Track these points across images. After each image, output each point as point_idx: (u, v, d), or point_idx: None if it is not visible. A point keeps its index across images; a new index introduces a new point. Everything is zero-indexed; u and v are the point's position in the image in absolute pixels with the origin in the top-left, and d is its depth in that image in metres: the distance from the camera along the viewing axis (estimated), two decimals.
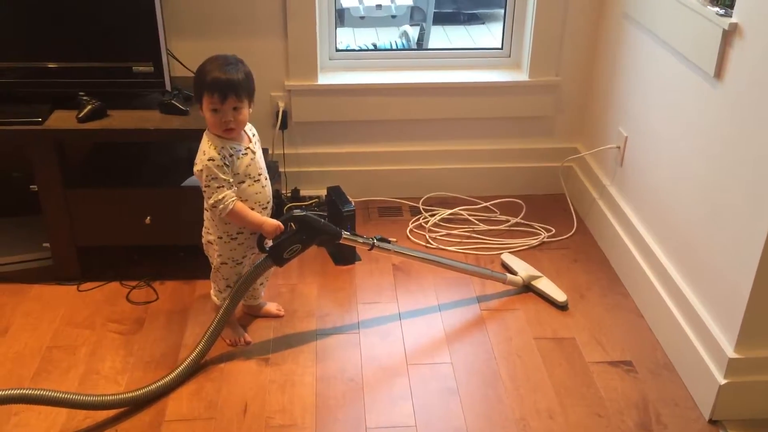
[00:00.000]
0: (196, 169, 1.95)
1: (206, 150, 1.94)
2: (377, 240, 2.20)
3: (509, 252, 2.63)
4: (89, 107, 2.26)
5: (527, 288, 2.44)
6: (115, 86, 2.34)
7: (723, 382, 1.88)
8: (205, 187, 1.95)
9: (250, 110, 1.99)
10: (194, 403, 1.96)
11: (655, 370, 2.11)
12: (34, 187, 2.29)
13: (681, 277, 2.13)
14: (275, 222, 2.01)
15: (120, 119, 2.30)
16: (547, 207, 2.92)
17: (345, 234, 2.15)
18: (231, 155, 1.95)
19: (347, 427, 1.90)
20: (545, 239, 2.73)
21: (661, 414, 1.95)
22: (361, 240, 2.19)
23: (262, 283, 2.24)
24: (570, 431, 1.90)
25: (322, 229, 2.10)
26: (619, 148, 2.57)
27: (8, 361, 2.09)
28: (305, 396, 2.00)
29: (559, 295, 2.36)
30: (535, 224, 2.80)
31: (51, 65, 2.32)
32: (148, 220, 2.33)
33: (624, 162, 2.55)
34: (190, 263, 2.40)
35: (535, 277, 2.44)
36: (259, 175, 2.03)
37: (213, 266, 2.11)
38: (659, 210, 2.28)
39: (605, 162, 2.72)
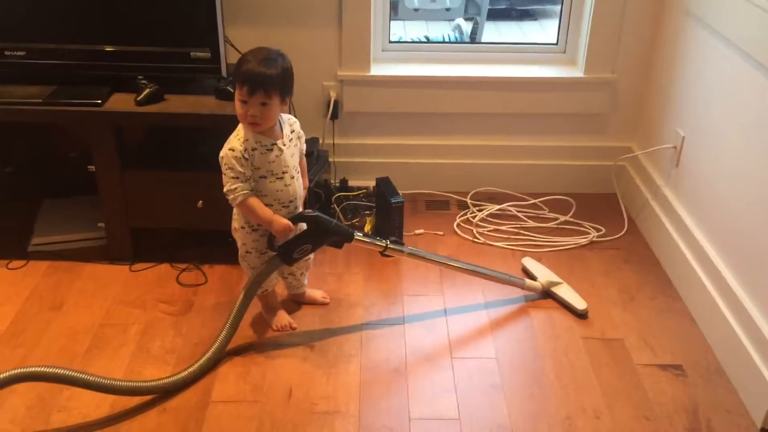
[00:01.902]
0: (220, 155, 1.96)
1: (231, 139, 1.96)
2: (391, 242, 2.17)
3: (529, 256, 2.58)
4: (147, 91, 2.30)
5: (547, 294, 2.39)
6: (172, 71, 2.38)
7: None
8: (223, 174, 1.96)
9: (286, 106, 1.97)
10: (240, 385, 1.99)
11: (706, 375, 2.06)
12: (91, 168, 2.35)
13: (737, 282, 2.08)
14: (285, 222, 1.99)
15: (176, 104, 2.33)
16: (598, 206, 2.87)
17: (357, 235, 2.12)
18: (254, 149, 1.94)
19: (391, 416, 1.91)
20: (595, 239, 2.69)
21: (711, 420, 1.91)
22: (374, 241, 2.16)
23: (302, 273, 2.25)
24: None
25: (334, 230, 2.08)
26: (675, 148, 2.52)
27: (62, 337, 2.14)
28: (350, 384, 2.00)
29: (579, 303, 2.30)
30: (585, 223, 2.76)
31: (111, 49, 2.37)
32: (200, 204, 2.37)
33: (680, 163, 2.49)
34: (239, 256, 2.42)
35: (555, 284, 2.38)
36: (284, 173, 2.00)
37: (239, 254, 2.13)
38: (716, 213, 2.23)
39: (660, 162, 2.67)
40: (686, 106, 2.47)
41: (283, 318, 2.21)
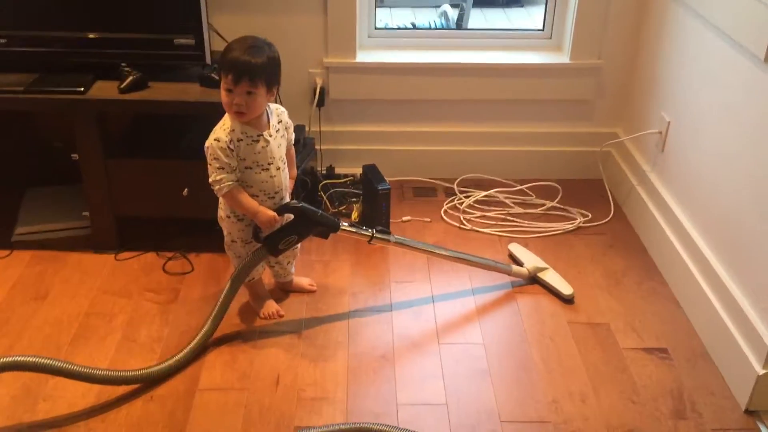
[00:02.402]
0: (205, 145, 1.95)
1: (217, 129, 1.94)
2: (377, 231, 2.17)
3: (516, 242, 2.59)
4: (131, 78, 2.28)
5: (533, 280, 2.40)
6: (156, 58, 2.36)
7: (761, 372, 1.85)
8: (208, 164, 1.95)
9: (273, 96, 1.95)
10: (227, 373, 1.98)
11: (691, 358, 2.08)
12: (75, 156, 2.32)
13: (721, 266, 2.09)
14: (270, 213, 1.98)
15: (160, 91, 2.31)
16: (584, 192, 2.88)
17: (343, 225, 2.12)
18: (240, 140, 1.93)
19: (378, 402, 1.91)
20: (581, 224, 2.70)
21: (696, 402, 1.93)
22: (360, 231, 2.16)
23: (289, 262, 2.24)
24: (603, 416, 1.88)
25: (320, 220, 2.07)
26: (661, 133, 2.53)
27: (47, 326, 2.13)
28: (337, 371, 2.01)
29: (566, 288, 2.31)
30: (571, 209, 2.77)
31: (94, 36, 2.34)
32: (185, 192, 2.35)
33: (666, 148, 2.50)
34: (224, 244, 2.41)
35: (542, 269, 2.39)
36: (270, 164, 1.98)
37: (225, 242, 2.12)
38: (701, 197, 2.24)
39: (646, 147, 2.67)
40: (672, 91, 2.48)
41: (270, 306, 2.20)
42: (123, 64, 2.31)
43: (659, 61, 2.58)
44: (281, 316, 2.19)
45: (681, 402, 1.93)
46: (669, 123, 2.47)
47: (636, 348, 2.11)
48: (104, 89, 2.30)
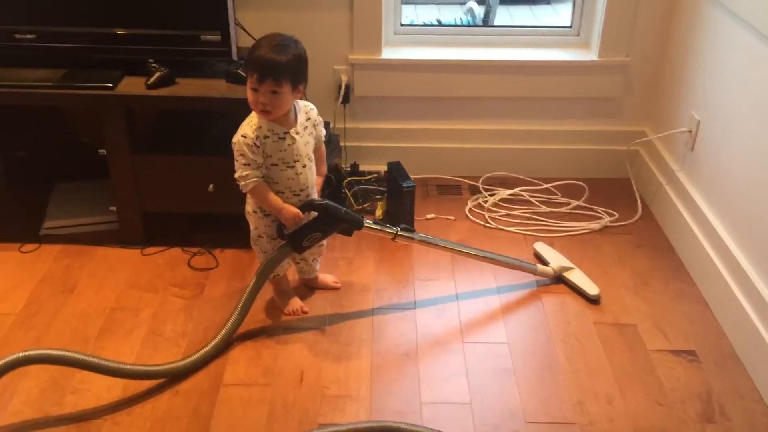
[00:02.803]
0: (232, 140, 1.95)
1: (244, 125, 1.94)
2: (401, 228, 2.16)
3: (541, 241, 2.57)
4: (158, 74, 2.30)
5: (559, 279, 2.37)
6: (183, 54, 2.37)
7: None
8: (235, 160, 1.95)
9: (299, 94, 1.95)
10: (251, 369, 1.99)
11: (720, 361, 2.04)
12: (102, 152, 2.34)
13: (751, 266, 2.05)
14: (294, 210, 1.98)
15: (187, 87, 2.33)
16: (611, 191, 2.85)
17: (367, 222, 2.11)
18: (266, 137, 1.93)
19: (402, 400, 1.90)
20: (608, 224, 2.67)
21: (725, 406, 1.90)
22: (384, 229, 2.15)
23: (314, 259, 2.24)
24: (629, 418, 1.86)
25: (344, 218, 2.07)
26: (690, 132, 2.49)
27: (74, 319, 2.15)
28: (361, 368, 2.00)
29: (591, 288, 2.28)
30: (598, 208, 2.74)
31: (122, 32, 2.36)
32: (211, 188, 2.36)
33: (695, 147, 2.46)
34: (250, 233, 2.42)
35: (567, 269, 2.36)
36: (296, 161, 1.98)
37: (251, 237, 2.12)
38: (732, 198, 2.20)
39: (675, 147, 2.64)
40: (702, 89, 2.44)
41: (294, 302, 2.21)
42: (150, 60, 2.32)
43: (689, 59, 2.54)
44: (305, 313, 2.19)
45: (709, 405, 1.90)
46: (699, 121, 2.43)
47: (663, 350, 2.08)
48: (132, 85, 2.31)
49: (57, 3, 2.34)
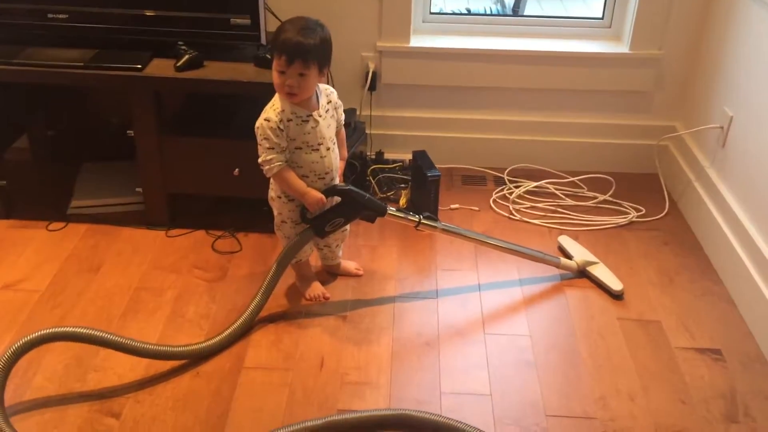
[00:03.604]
0: (255, 125, 1.95)
1: (267, 109, 1.94)
2: (424, 217, 2.15)
3: (566, 234, 2.54)
4: (187, 57, 2.30)
5: (582, 274, 2.34)
6: (212, 37, 2.37)
7: None
8: (258, 144, 1.95)
9: (324, 78, 1.95)
10: (273, 353, 1.99)
11: (746, 361, 2.01)
12: (130, 133, 2.36)
13: None
14: (318, 195, 1.98)
15: (215, 70, 2.33)
16: (638, 186, 2.81)
17: (390, 210, 2.10)
18: (290, 120, 1.93)
19: (422, 390, 1.90)
20: (634, 219, 2.63)
21: (749, 407, 1.87)
22: (407, 216, 2.14)
23: (338, 245, 2.24)
24: (651, 415, 1.84)
25: (367, 204, 2.06)
26: (722, 128, 2.44)
27: (99, 299, 2.17)
28: (381, 356, 2.00)
29: (615, 284, 2.25)
30: (625, 203, 2.71)
31: (152, 14, 2.36)
32: (236, 172, 2.37)
33: (727, 143, 2.42)
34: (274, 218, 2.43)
35: (591, 263, 2.33)
36: (320, 144, 1.98)
37: (275, 222, 2.13)
38: (764, 196, 2.16)
39: (705, 142, 2.59)
40: (736, 85, 2.39)
41: (316, 288, 2.21)
42: (180, 43, 2.33)
43: (723, 53, 2.49)
44: (327, 299, 2.20)
45: (734, 405, 1.87)
46: (732, 118, 2.39)
47: (688, 348, 2.06)
48: (161, 67, 2.32)
49: None
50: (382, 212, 2.10)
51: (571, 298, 2.25)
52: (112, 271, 2.28)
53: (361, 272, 2.31)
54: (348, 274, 2.31)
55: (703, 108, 2.63)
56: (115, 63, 2.30)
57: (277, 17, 2.49)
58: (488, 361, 2.00)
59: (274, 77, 1.91)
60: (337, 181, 2.08)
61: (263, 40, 2.37)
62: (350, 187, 2.06)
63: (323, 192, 2.01)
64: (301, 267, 2.21)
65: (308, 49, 1.85)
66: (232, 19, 2.34)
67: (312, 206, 2.00)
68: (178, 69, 2.29)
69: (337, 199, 2.05)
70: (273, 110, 1.93)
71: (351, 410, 1.81)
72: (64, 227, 2.48)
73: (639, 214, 2.65)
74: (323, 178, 2.03)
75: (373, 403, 1.85)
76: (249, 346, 2.01)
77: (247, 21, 2.34)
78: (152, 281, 2.25)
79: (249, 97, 2.41)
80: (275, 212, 2.11)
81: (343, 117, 2.11)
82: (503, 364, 1.99)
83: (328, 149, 2.01)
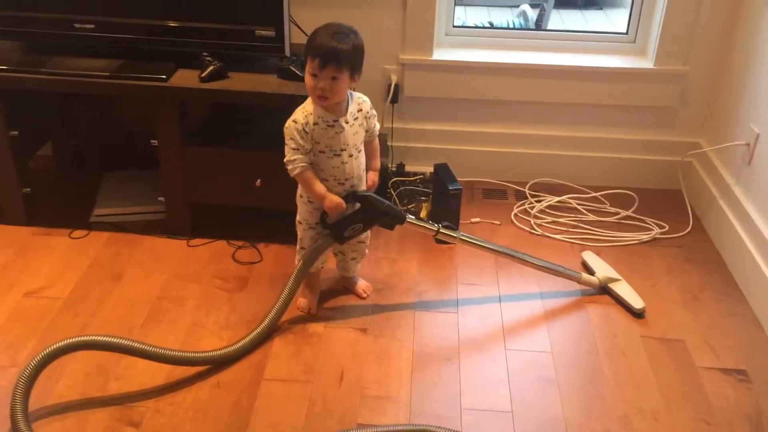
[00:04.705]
0: (285, 125, 1.97)
1: (297, 111, 1.97)
2: (443, 226, 2.15)
3: (589, 250, 2.52)
4: (211, 68, 2.31)
5: (603, 290, 2.32)
6: (236, 48, 2.38)
7: None
8: (285, 144, 1.97)
9: (354, 83, 1.96)
10: (293, 365, 1.99)
11: None
12: (154, 142, 2.37)
13: None
14: (337, 199, 1.98)
15: (239, 81, 2.34)
16: (661, 202, 2.79)
17: (409, 217, 2.10)
18: (316, 123, 1.94)
19: (442, 405, 1.88)
20: (657, 235, 2.61)
21: None
22: (426, 225, 2.14)
23: (353, 258, 2.23)
24: None
25: (386, 210, 2.06)
26: (748, 145, 2.42)
27: (121, 307, 2.18)
28: (401, 370, 1.99)
29: (637, 302, 2.22)
30: (647, 219, 2.68)
31: (178, 25, 2.38)
32: (258, 182, 2.37)
33: (753, 161, 2.39)
34: (295, 229, 2.42)
35: (614, 280, 2.31)
36: (342, 150, 1.99)
37: (296, 219, 2.14)
38: None
39: (731, 160, 2.56)
40: (763, 101, 2.37)
41: (309, 300, 2.19)
42: (204, 54, 2.34)
43: (750, 69, 2.47)
44: (310, 314, 2.18)
45: (759, 427, 1.84)
46: (758, 135, 2.36)
47: (712, 367, 2.03)
48: (185, 78, 2.33)
49: None
50: (402, 219, 2.09)
51: (593, 315, 2.23)
52: (133, 280, 2.29)
53: (365, 296, 2.27)
54: (355, 293, 2.29)
55: (728, 124, 2.61)
56: (140, 73, 2.32)
57: (300, 29, 2.50)
58: (509, 377, 1.98)
59: (307, 80, 1.93)
60: (361, 188, 2.08)
61: (287, 52, 2.38)
62: (369, 193, 2.06)
63: (343, 197, 2.01)
64: (310, 277, 2.18)
65: (341, 53, 1.88)
66: (257, 31, 2.35)
67: (330, 210, 2.01)
68: (203, 80, 2.31)
69: (358, 205, 2.05)
70: (302, 112, 1.96)
71: (371, 424, 1.80)
72: (87, 235, 2.50)
73: (662, 230, 2.63)
74: (343, 184, 2.03)
75: (393, 418, 1.84)
76: (269, 358, 2.01)
77: (271, 33, 2.35)
78: (173, 290, 2.26)
79: (272, 108, 2.42)
80: (298, 211, 2.12)
81: (377, 128, 2.10)
82: (524, 381, 1.97)
83: (351, 156, 2.02)
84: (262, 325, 2.03)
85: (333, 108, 1.96)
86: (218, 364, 1.95)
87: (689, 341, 2.12)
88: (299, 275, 2.08)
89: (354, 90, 2.03)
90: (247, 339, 2.00)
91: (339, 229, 2.04)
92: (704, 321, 2.20)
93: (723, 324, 2.20)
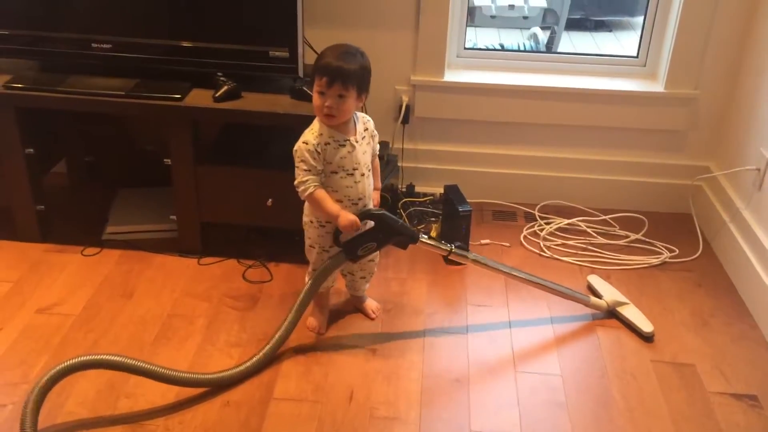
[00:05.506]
0: (294, 148, 1.98)
1: (306, 133, 1.98)
2: (455, 246, 2.15)
3: (597, 273, 2.52)
4: (225, 88, 2.34)
5: (612, 314, 2.31)
6: (250, 69, 2.40)
7: None
8: (295, 167, 1.98)
9: (361, 103, 1.98)
10: (302, 384, 1.99)
11: None
12: (167, 161, 2.39)
13: None
14: (352, 217, 1.98)
15: (253, 101, 2.36)
16: (671, 226, 2.78)
17: (422, 237, 2.11)
18: (327, 143, 1.96)
19: (451, 427, 1.88)
20: (667, 259, 2.61)
21: None
22: (439, 245, 2.15)
23: (363, 277, 2.24)
24: None
25: (400, 230, 2.07)
26: (759, 170, 2.42)
27: (132, 324, 2.19)
28: (410, 391, 1.99)
29: (646, 326, 2.22)
30: (657, 243, 2.68)
31: (192, 45, 2.41)
32: (269, 202, 2.39)
33: (763, 186, 2.39)
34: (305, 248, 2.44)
35: (621, 303, 2.31)
36: (354, 169, 2.00)
37: (305, 246, 2.14)
38: None
39: (741, 184, 2.57)
40: None
41: (319, 320, 2.19)
42: (219, 74, 2.37)
43: (761, 95, 2.47)
44: (320, 334, 2.18)
45: None
46: None
47: (723, 392, 2.02)
48: (199, 97, 2.36)
49: (133, 15, 2.40)
50: (414, 239, 2.10)
51: (603, 339, 2.22)
52: (144, 298, 2.31)
53: (374, 316, 2.28)
54: (364, 313, 2.29)
55: (738, 149, 2.61)
56: (155, 93, 2.35)
57: (314, 50, 2.52)
58: (519, 400, 1.97)
59: (314, 99, 1.95)
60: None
61: (301, 73, 2.40)
62: (383, 211, 2.07)
63: (357, 215, 2.02)
64: (319, 297, 2.20)
65: (348, 72, 1.90)
66: (271, 52, 2.38)
67: (345, 228, 2.01)
68: (217, 99, 2.33)
69: (371, 223, 2.06)
70: (311, 133, 1.97)
71: None
72: (99, 252, 2.51)
73: (672, 254, 2.63)
74: (356, 204, 2.04)
75: None
76: (278, 377, 2.01)
77: (285, 54, 2.37)
78: (184, 309, 2.27)
79: (284, 128, 2.44)
80: (306, 236, 2.13)
81: (378, 147, 2.13)
82: (534, 404, 1.96)
83: (363, 175, 2.04)
84: (269, 345, 2.02)
85: (342, 128, 1.98)
86: (220, 386, 1.95)
87: (700, 366, 2.11)
88: (308, 294, 2.08)
89: (362, 111, 2.06)
90: (254, 360, 1.99)
91: (352, 248, 2.05)
92: (715, 345, 2.20)
93: (734, 349, 2.19)
